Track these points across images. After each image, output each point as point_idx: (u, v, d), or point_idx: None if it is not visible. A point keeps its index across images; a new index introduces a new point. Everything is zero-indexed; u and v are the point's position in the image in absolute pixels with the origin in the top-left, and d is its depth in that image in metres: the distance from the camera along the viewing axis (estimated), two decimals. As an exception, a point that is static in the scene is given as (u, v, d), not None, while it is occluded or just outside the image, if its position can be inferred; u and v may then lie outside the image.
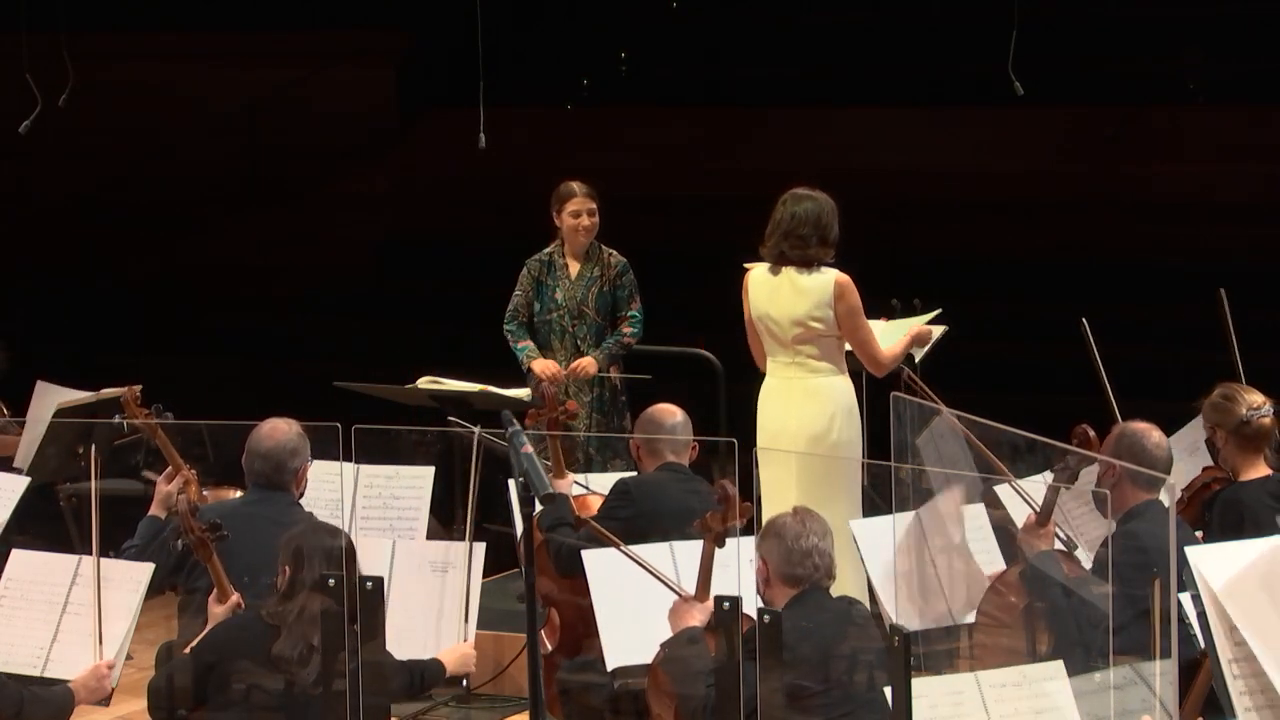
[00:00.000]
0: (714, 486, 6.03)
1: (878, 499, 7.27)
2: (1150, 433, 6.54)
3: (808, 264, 7.65)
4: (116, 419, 7.30)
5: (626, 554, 6.55)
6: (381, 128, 15.79)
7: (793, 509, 5.94)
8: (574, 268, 9.13)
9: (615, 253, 9.17)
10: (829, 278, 7.64)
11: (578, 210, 9.08)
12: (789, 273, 7.67)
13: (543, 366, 8.99)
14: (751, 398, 7.91)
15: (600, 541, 6.74)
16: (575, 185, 9.11)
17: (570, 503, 7.29)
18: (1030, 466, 6.48)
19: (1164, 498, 6.31)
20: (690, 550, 6.48)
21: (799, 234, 7.64)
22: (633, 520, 7.09)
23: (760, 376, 7.95)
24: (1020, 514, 6.61)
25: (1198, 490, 7.04)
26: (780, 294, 7.68)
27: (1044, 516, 6.36)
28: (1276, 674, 4.94)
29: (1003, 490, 6.60)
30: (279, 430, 6.73)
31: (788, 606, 5.72)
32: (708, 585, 6.03)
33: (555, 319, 9.11)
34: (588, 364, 9.00)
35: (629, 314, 9.14)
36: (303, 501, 6.86)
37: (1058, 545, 6.47)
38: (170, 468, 6.95)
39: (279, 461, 6.69)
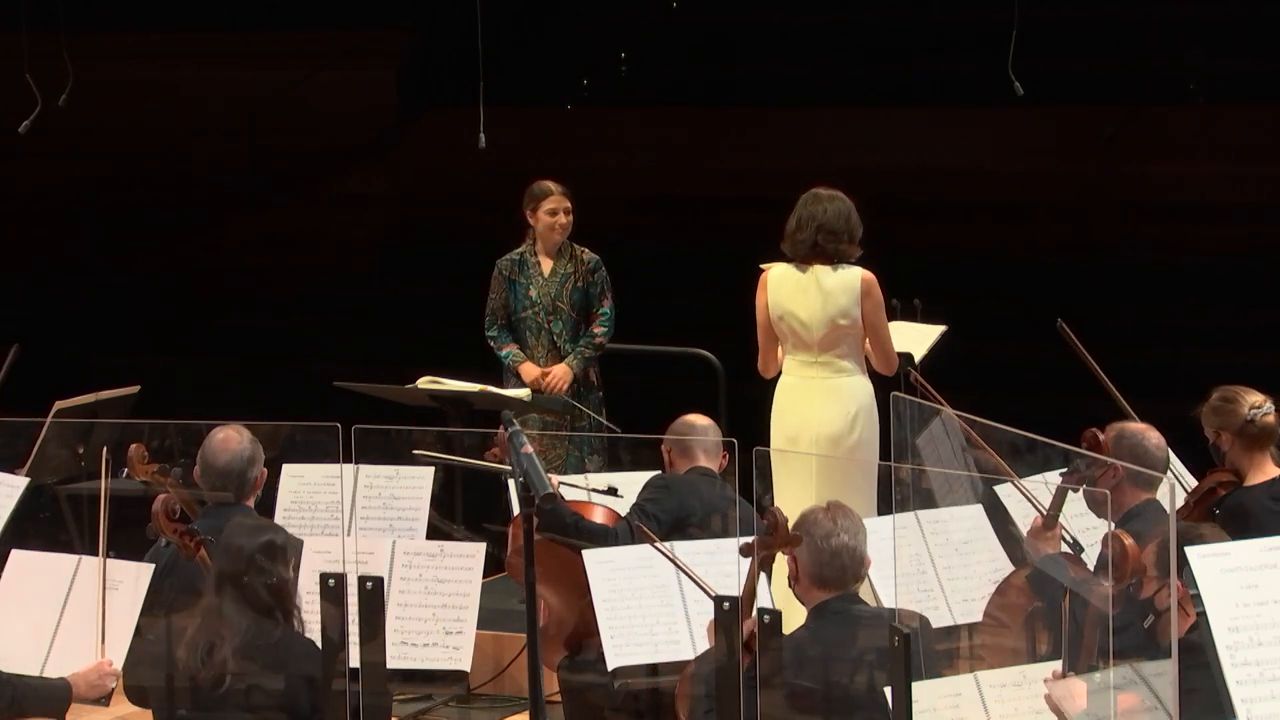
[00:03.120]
0: (763, 513, 5.92)
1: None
2: (1149, 433, 6.55)
3: (836, 259, 7.69)
4: (124, 474, 7.14)
5: (664, 553, 6.50)
6: (381, 128, 15.78)
7: (825, 504, 5.82)
8: (547, 265, 9.17)
9: (587, 250, 9.22)
10: (855, 274, 7.72)
11: (554, 209, 9.11)
12: (817, 271, 7.71)
13: (530, 375, 9.03)
14: (751, 398, 7.89)
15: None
16: (550, 184, 9.15)
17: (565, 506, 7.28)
18: (1030, 467, 6.46)
19: (1163, 497, 6.30)
20: (693, 551, 6.47)
21: (832, 228, 7.72)
22: (669, 514, 7.08)
23: (757, 377, 7.94)
24: (1020, 515, 6.59)
25: (1204, 494, 6.96)
26: (808, 293, 7.72)
27: (1051, 519, 6.35)
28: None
29: (1007, 491, 6.58)
30: (233, 441, 6.69)
31: (811, 616, 5.67)
32: (751, 606, 5.99)
33: (530, 316, 9.15)
34: (563, 375, 9.03)
35: (600, 311, 9.18)
36: (302, 502, 6.83)
37: (1063, 548, 6.45)
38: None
39: (239, 472, 6.65)
